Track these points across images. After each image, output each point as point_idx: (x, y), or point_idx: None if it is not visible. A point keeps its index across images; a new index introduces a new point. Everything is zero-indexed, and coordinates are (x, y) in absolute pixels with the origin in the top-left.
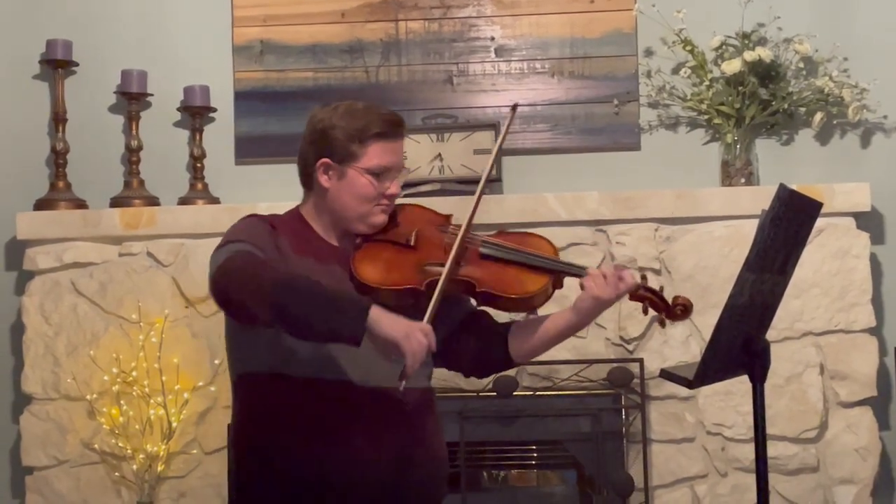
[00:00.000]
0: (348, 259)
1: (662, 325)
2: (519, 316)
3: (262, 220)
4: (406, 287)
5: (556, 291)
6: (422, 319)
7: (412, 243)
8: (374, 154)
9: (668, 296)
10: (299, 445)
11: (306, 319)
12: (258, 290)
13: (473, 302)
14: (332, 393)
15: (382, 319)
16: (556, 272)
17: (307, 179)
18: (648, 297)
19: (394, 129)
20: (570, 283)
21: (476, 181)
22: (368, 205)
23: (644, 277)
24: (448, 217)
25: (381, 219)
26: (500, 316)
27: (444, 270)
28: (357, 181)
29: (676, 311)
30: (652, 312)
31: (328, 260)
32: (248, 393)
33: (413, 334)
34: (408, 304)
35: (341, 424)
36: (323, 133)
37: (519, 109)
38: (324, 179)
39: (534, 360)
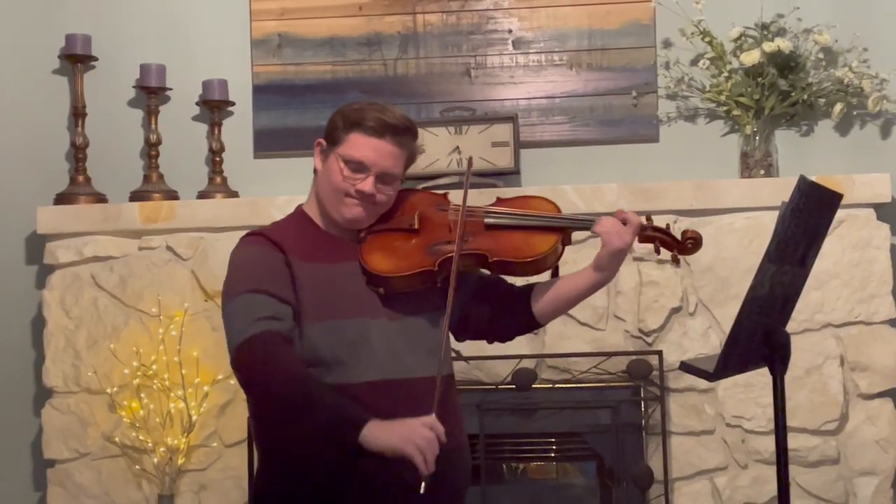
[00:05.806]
0: (355, 251)
1: (677, 263)
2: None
3: (267, 241)
4: (418, 270)
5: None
6: (439, 298)
7: (416, 226)
8: (352, 144)
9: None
10: (321, 441)
11: (308, 430)
12: (272, 402)
13: (488, 272)
14: (351, 393)
15: (378, 435)
16: (563, 229)
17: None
18: (658, 237)
19: (382, 127)
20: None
21: (494, 174)
22: (338, 194)
23: (649, 218)
24: (445, 195)
25: (353, 212)
26: (517, 282)
27: (455, 249)
28: (333, 166)
29: (687, 244)
30: (664, 252)
31: (336, 258)
32: None
33: (414, 434)
34: (422, 286)
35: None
36: (332, 117)
37: (536, 102)
38: (317, 161)
39: (553, 352)
